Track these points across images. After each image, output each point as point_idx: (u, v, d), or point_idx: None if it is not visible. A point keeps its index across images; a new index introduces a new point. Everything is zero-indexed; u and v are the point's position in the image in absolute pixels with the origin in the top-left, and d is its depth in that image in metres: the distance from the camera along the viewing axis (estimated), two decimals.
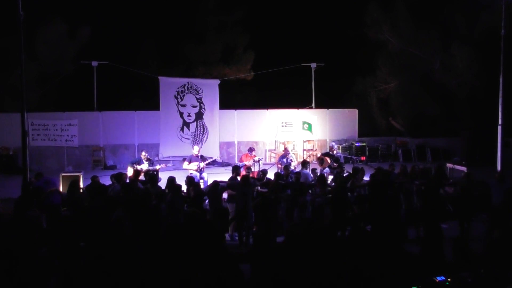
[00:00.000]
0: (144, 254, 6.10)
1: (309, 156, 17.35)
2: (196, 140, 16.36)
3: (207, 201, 9.83)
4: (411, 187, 10.00)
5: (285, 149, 14.65)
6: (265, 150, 18.23)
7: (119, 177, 9.88)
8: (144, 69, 19.08)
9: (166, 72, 18.99)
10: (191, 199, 9.23)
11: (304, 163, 11.52)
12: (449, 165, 14.80)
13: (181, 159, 15.58)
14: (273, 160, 17.15)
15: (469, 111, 19.17)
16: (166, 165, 13.20)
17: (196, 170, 12.29)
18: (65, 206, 9.58)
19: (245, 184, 9.29)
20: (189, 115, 16.55)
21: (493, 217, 8.80)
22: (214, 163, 15.12)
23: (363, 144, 18.31)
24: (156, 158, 15.45)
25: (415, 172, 10.58)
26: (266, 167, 12.34)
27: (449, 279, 4.69)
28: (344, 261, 5.75)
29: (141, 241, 6.54)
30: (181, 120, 16.48)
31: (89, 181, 10.23)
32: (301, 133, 18.33)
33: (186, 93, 16.51)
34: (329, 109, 19.17)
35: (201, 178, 12.12)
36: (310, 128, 18.25)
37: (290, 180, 10.40)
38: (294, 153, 15.48)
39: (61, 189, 11.07)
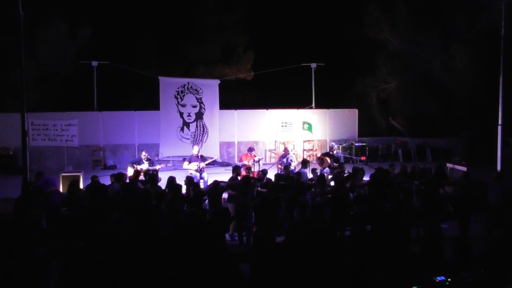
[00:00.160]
0: (143, 254, 6.10)
1: (309, 156, 17.35)
2: (196, 140, 16.35)
3: (206, 201, 9.84)
4: (410, 187, 10.00)
5: (285, 149, 14.67)
6: (265, 150, 18.23)
7: (119, 177, 9.88)
8: (144, 69, 19.08)
9: (166, 72, 18.99)
10: (191, 199, 9.23)
11: (305, 162, 11.53)
12: (449, 165, 14.81)
13: (181, 159, 15.59)
14: (273, 160, 17.15)
15: (469, 111, 19.18)
16: (166, 165, 13.21)
17: (196, 170, 12.30)
18: (65, 206, 9.59)
19: (246, 184, 9.30)
20: (189, 115, 16.54)
21: (492, 217, 8.81)
22: (214, 163, 15.11)
23: (363, 144, 18.31)
24: (156, 158, 15.46)
25: (415, 172, 10.59)
26: (266, 167, 12.34)
27: (449, 279, 4.69)
28: (345, 261, 5.75)
29: (141, 241, 6.54)
30: (181, 120, 16.48)
31: (89, 181, 10.23)
32: (301, 133, 18.33)
33: (186, 93, 16.51)
34: (329, 109, 19.17)
35: (201, 178, 12.12)
36: (310, 128, 18.25)
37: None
38: (294, 153, 15.48)
39: (61, 189, 11.08)
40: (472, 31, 18.55)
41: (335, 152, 14.32)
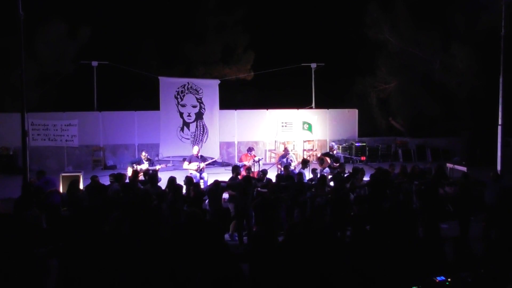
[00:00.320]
0: (143, 254, 6.10)
1: (309, 156, 17.35)
2: (196, 140, 16.35)
3: (206, 201, 9.83)
4: (410, 187, 10.00)
5: (285, 149, 14.67)
6: (265, 150, 18.23)
7: (118, 177, 9.88)
8: (144, 69, 19.08)
9: (166, 72, 19.00)
10: (191, 199, 9.23)
11: (305, 162, 11.51)
12: (449, 165, 14.81)
13: (181, 159, 15.59)
14: (273, 160, 17.15)
15: (469, 111, 19.18)
16: (166, 165, 13.21)
17: (196, 170, 12.30)
18: (65, 206, 9.59)
19: (246, 184, 9.30)
20: (189, 115, 16.54)
21: (489, 217, 8.81)
22: (214, 163, 15.12)
23: (363, 144, 18.31)
24: (156, 158, 15.45)
25: (415, 172, 10.58)
26: (266, 167, 12.33)
27: (449, 279, 4.70)
28: (344, 261, 5.75)
29: (141, 241, 6.54)
30: (181, 120, 16.48)
31: (89, 181, 10.23)
32: (301, 133, 18.33)
33: (186, 93, 16.50)
34: (329, 109, 19.16)
35: (201, 178, 12.12)
36: (310, 128, 18.25)
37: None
38: (294, 153, 15.48)
39: (61, 189, 11.09)
40: (472, 31, 18.55)
41: (335, 152, 14.32)
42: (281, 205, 9.51)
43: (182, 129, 16.46)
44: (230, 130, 17.82)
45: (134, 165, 12.00)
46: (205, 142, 16.54)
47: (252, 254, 5.94)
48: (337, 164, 12.63)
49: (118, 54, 19.53)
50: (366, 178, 10.79)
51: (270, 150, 18.29)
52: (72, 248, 6.14)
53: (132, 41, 21.41)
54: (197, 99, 16.59)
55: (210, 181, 11.78)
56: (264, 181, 10.26)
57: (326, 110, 19.11)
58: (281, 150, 16.55)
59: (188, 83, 16.64)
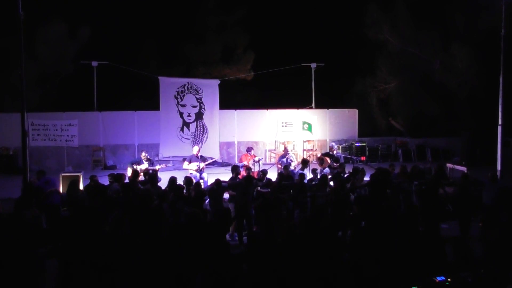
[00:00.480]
0: (144, 254, 6.09)
1: (309, 156, 17.34)
2: (196, 140, 16.35)
3: (207, 201, 9.83)
4: (410, 187, 9.99)
5: (285, 149, 14.68)
6: (265, 150, 18.23)
7: (118, 177, 9.87)
8: (144, 69, 19.07)
9: (166, 72, 18.99)
10: (191, 199, 9.23)
11: (305, 163, 11.51)
12: (449, 165, 14.81)
13: (181, 159, 15.59)
14: (273, 160, 17.15)
15: (469, 111, 19.18)
16: (166, 165, 13.21)
17: (196, 170, 12.30)
18: (65, 206, 9.58)
19: (247, 184, 9.32)
20: (189, 115, 16.54)
21: (487, 217, 8.80)
22: (214, 163, 15.12)
23: (363, 144, 18.31)
24: (156, 158, 15.45)
25: (415, 172, 10.57)
26: (266, 167, 12.34)
27: (449, 279, 4.70)
28: (344, 261, 5.75)
29: (141, 241, 6.54)
30: (181, 120, 16.47)
31: (89, 181, 10.23)
32: (301, 133, 18.33)
33: (186, 93, 16.50)
34: (329, 109, 19.17)
35: (201, 178, 12.11)
36: (310, 128, 18.25)
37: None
38: (294, 153, 15.48)
39: (61, 189, 11.08)
40: (472, 31, 18.56)
41: (335, 152, 14.33)
42: (283, 206, 9.52)
43: (182, 129, 16.45)
44: (230, 130, 17.83)
45: (134, 165, 11.99)
46: (205, 142, 16.53)
47: (251, 255, 5.94)
48: (337, 164, 12.62)
49: (118, 54, 19.53)
50: (366, 178, 10.79)
51: (270, 150, 18.29)
52: (72, 248, 6.14)
53: (132, 41, 21.42)
54: (197, 99, 16.58)
55: (210, 181, 11.79)
56: (264, 181, 10.27)
57: (326, 110, 19.11)
58: (281, 150, 16.55)
59: (188, 83, 16.63)
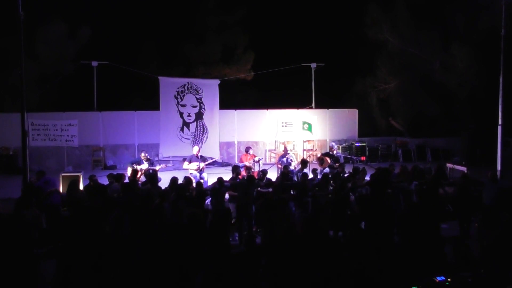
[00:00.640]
0: (144, 253, 6.10)
1: (309, 156, 17.35)
2: (196, 140, 16.34)
3: (207, 201, 9.84)
4: (409, 187, 10.00)
5: (285, 149, 14.68)
6: (265, 150, 18.23)
7: (118, 177, 9.87)
8: (144, 69, 19.07)
9: (166, 72, 18.98)
10: (193, 198, 9.24)
11: (304, 163, 11.51)
12: (449, 165, 14.80)
13: (181, 159, 15.59)
14: (273, 160, 17.15)
15: (469, 111, 19.18)
16: (166, 165, 13.21)
17: (196, 170, 12.31)
18: (65, 206, 9.58)
19: (250, 184, 9.35)
20: (189, 115, 16.53)
21: (485, 217, 8.80)
22: (214, 163, 15.12)
23: (363, 144, 18.31)
24: (156, 158, 15.45)
25: (414, 172, 10.57)
26: (266, 167, 12.34)
27: (449, 279, 4.70)
28: (344, 261, 5.75)
29: (142, 241, 6.54)
30: (181, 120, 16.47)
31: (88, 181, 10.24)
32: (301, 133, 18.32)
33: (186, 93, 16.49)
34: (329, 109, 19.17)
35: (201, 178, 12.12)
36: (310, 128, 18.24)
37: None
38: (294, 153, 15.48)
39: (61, 189, 11.08)
40: (472, 31, 18.55)
41: (335, 152, 14.32)
42: (285, 205, 9.54)
43: (182, 129, 16.45)
44: (230, 130, 17.83)
45: (134, 165, 11.99)
46: (205, 142, 16.53)
47: (247, 255, 5.94)
48: (338, 164, 12.62)
49: (118, 54, 19.52)
50: (367, 178, 10.79)
51: (270, 150, 18.29)
52: (70, 248, 6.15)
53: (132, 41, 21.41)
54: (197, 99, 16.58)
55: (210, 181, 11.80)
56: (264, 180, 10.27)
57: (326, 110, 19.11)
58: (281, 150, 16.55)
59: (188, 83, 16.63)
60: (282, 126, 18.35)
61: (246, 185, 9.40)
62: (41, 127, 16.42)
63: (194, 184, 10.09)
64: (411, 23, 19.51)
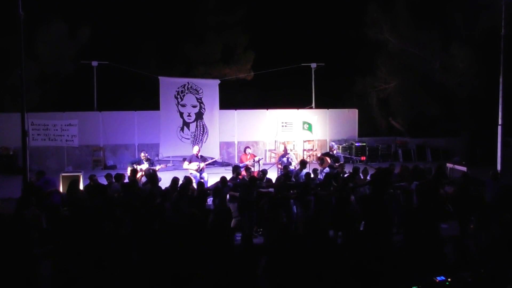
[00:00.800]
0: (144, 253, 6.10)
1: (309, 156, 17.34)
2: (196, 140, 16.34)
3: (209, 201, 9.85)
4: (410, 187, 9.99)
5: (285, 149, 14.68)
6: (265, 150, 18.23)
7: (118, 177, 9.87)
8: (144, 69, 19.07)
9: (166, 72, 18.99)
10: (194, 198, 9.25)
11: (303, 164, 11.50)
12: (449, 165, 14.79)
13: (181, 159, 15.58)
14: (273, 160, 17.14)
15: (469, 111, 19.17)
16: (166, 165, 13.21)
17: (196, 170, 12.30)
18: (65, 206, 9.58)
19: (252, 184, 9.39)
20: (189, 115, 16.53)
21: (480, 217, 8.78)
22: (214, 163, 15.12)
23: (363, 144, 18.31)
24: (156, 158, 15.45)
25: (415, 172, 10.56)
26: (266, 167, 12.34)
27: (449, 279, 4.70)
28: (343, 261, 5.75)
29: (142, 241, 6.54)
30: (181, 120, 16.47)
31: (88, 181, 10.24)
32: (301, 133, 18.32)
33: (186, 93, 16.49)
34: (329, 109, 19.17)
35: (201, 178, 12.11)
36: (310, 128, 18.24)
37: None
38: (294, 153, 15.47)
39: (61, 189, 11.08)
40: (472, 31, 18.55)
41: (335, 152, 14.33)
42: (288, 204, 9.57)
43: (182, 129, 16.45)
44: (230, 130, 17.82)
45: (134, 165, 11.99)
46: (205, 142, 16.53)
47: (244, 255, 5.94)
48: (338, 164, 12.62)
49: (118, 54, 19.52)
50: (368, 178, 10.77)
51: (270, 150, 18.29)
52: (69, 248, 6.15)
53: (132, 41, 21.41)
54: (197, 99, 16.58)
55: (210, 181, 11.80)
56: (264, 180, 10.28)
57: (326, 110, 19.11)
58: (281, 150, 16.55)
59: (188, 83, 16.63)
60: (282, 126, 18.35)
61: (248, 185, 9.43)
62: (41, 127, 16.42)
63: (194, 184, 10.09)
64: (411, 23, 19.51)
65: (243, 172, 10.67)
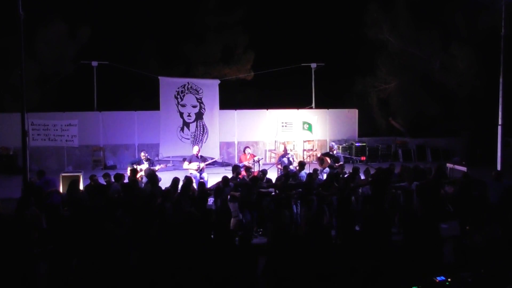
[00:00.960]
0: (144, 253, 6.10)
1: (309, 156, 17.34)
2: (196, 140, 16.34)
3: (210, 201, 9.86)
4: (410, 187, 9.98)
5: (285, 149, 14.68)
6: (265, 150, 18.23)
7: (117, 177, 9.87)
8: (144, 69, 19.07)
9: (166, 72, 18.99)
10: (195, 199, 9.25)
11: (302, 165, 11.49)
12: (449, 165, 14.80)
13: (181, 159, 15.59)
14: (273, 160, 17.14)
15: (469, 111, 19.17)
16: (166, 165, 13.21)
17: (196, 170, 12.31)
18: (65, 206, 9.58)
19: (253, 184, 9.42)
20: (189, 115, 16.53)
21: (475, 217, 8.77)
22: (214, 163, 15.12)
23: (363, 144, 18.31)
24: (156, 158, 15.46)
25: (415, 173, 10.55)
26: (266, 167, 12.34)
27: (449, 279, 4.70)
28: (343, 261, 5.76)
29: (142, 241, 6.54)
30: (181, 120, 16.46)
31: (89, 181, 10.24)
32: (301, 133, 18.32)
33: (186, 93, 16.49)
34: (329, 109, 19.16)
35: (201, 178, 12.12)
36: (310, 128, 18.24)
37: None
38: (294, 153, 15.46)
39: (61, 189, 11.08)
40: (472, 31, 18.55)
41: (335, 152, 14.32)
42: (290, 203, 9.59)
43: (182, 129, 16.44)
44: (230, 130, 17.83)
45: (134, 165, 11.99)
46: (205, 142, 16.52)
47: (242, 255, 5.94)
48: (338, 164, 12.62)
49: (118, 54, 19.52)
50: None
51: (270, 150, 18.29)
52: (67, 248, 6.15)
53: (132, 41, 21.41)
54: (197, 99, 16.58)
55: (210, 181, 11.80)
56: (264, 181, 10.28)
57: (326, 110, 19.11)
58: (281, 150, 16.55)
59: (188, 83, 16.62)
60: (282, 126, 18.35)
61: (250, 185, 9.44)
62: (41, 127, 16.41)
63: (194, 185, 10.09)
64: (411, 23, 19.51)
65: (243, 172, 10.68)
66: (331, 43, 22.67)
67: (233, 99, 20.42)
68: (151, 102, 17.71)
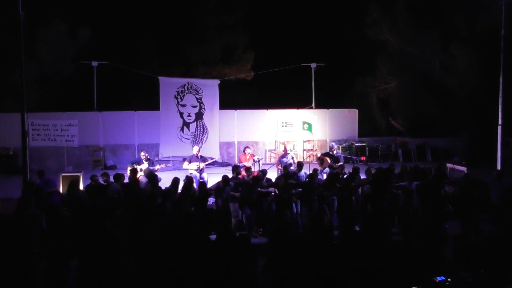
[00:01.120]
0: (144, 253, 6.09)
1: (309, 156, 17.34)
2: (196, 140, 16.34)
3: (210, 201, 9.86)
4: (410, 187, 9.98)
5: (285, 149, 14.67)
6: (265, 150, 18.23)
7: (117, 177, 9.87)
8: (144, 69, 19.07)
9: (166, 72, 18.98)
10: (196, 199, 9.25)
11: (300, 166, 11.49)
12: (449, 165, 14.79)
13: (181, 159, 15.58)
14: (273, 160, 17.14)
15: (469, 111, 19.17)
16: (166, 165, 13.21)
17: (196, 170, 12.30)
18: (65, 206, 9.59)
19: (255, 184, 9.43)
20: (189, 115, 16.53)
21: (471, 218, 8.76)
22: (214, 163, 15.12)
23: (363, 144, 18.31)
24: (156, 158, 15.46)
25: (415, 172, 10.55)
26: (266, 167, 12.33)
27: (449, 279, 4.70)
28: (343, 261, 5.75)
29: (142, 241, 6.54)
30: (181, 120, 16.46)
31: (89, 181, 10.24)
32: (301, 133, 18.32)
33: (186, 93, 16.49)
34: (329, 109, 19.16)
35: (201, 178, 12.11)
36: (310, 128, 18.24)
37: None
38: (294, 153, 15.45)
39: (61, 189, 11.08)
40: (472, 31, 18.55)
41: (335, 152, 14.30)
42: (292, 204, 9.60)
43: (182, 129, 16.44)
44: (230, 130, 17.82)
45: (134, 165, 11.99)
46: (205, 142, 16.52)
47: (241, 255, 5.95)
48: (338, 164, 12.61)
49: (118, 54, 19.53)
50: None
51: (270, 150, 18.29)
52: (66, 248, 6.15)
53: (132, 41, 21.42)
54: (197, 99, 16.58)
55: (210, 182, 11.80)
56: (264, 181, 10.28)
57: (326, 110, 19.11)
58: (281, 150, 16.54)
59: (188, 83, 16.62)
60: (282, 126, 18.35)
61: (250, 185, 9.44)
62: (41, 127, 16.42)
63: (194, 185, 10.09)
64: (411, 23, 19.51)
65: (243, 172, 10.67)
66: (331, 43, 22.68)
67: (233, 99, 20.42)
68: (151, 102, 17.72)
